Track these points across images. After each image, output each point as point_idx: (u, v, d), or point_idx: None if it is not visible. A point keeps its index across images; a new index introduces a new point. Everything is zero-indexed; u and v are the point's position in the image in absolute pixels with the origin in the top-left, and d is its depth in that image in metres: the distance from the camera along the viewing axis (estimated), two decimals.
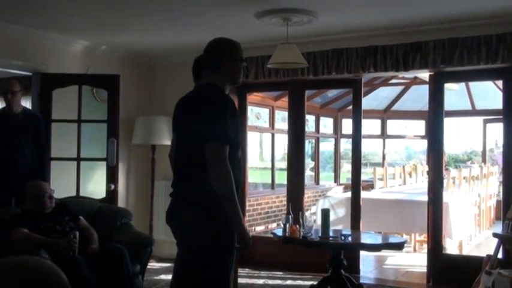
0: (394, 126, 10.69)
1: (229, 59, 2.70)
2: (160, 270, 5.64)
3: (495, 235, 4.63)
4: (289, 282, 5.29)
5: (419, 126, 10.45)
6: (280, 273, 5.58)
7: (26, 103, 5.88)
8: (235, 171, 2.58)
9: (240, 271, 5.19)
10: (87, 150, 5.38)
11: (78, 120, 5.31)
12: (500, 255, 4.68)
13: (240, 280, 5.07)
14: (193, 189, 2.67)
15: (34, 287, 0.89)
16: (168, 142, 5.81)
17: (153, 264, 5.67)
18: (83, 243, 3.93)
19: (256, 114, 8.33)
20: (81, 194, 5.26)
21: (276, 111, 8.19)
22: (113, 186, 5.25)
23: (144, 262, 4.31)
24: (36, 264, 0.93)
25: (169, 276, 5.34)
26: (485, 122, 10.39)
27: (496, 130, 9.79)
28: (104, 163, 5.31)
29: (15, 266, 0.92)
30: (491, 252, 4.62)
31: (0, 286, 0.88)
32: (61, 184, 4.90)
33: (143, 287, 4.37)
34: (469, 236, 7.11)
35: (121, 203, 5.63)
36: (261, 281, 5.23)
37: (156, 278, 5.32)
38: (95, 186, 5.59)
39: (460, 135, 9.86)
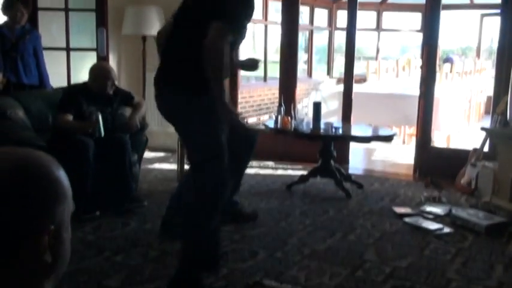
0: (389, 19, 10.49)
1: None
2: (153, 159, 5.76)
3: (483, 129, 4.72)
4: (280, 171, 5.42)
5: (415, 20, 10.26)
6: (272, 163, 5.72)
7: None
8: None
9: None
10: (76, 41, 5.27)
11: (65, 9, 5.16)
12: (486, 149, 4.80)
13: None
14: (186, 71, 2.64)
15: (11, 175, 0.82)
16: None
17: (147, 154, 5.77)
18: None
19: None
20: None
21: (270, 2, 7.96)
22: None
23: (140, 152, 4.40)
24: (18, 153, 0.86)
25: (162, 165, 5.50)
26: (482, 16, 10.22)
27: (493, 25, 9.63)
28: (94, 55, 5.22)
29: None
30: (478, 146, 4.74)
31: None
32: (52, 76, 4.84)
33: (139, 174, 4.48)
34: (457, 129, 7.23)
35: None
36: (252, 171, 5.35)
37: (150, 166, 5.45)
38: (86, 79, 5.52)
39: (456, 30, 9.73)
